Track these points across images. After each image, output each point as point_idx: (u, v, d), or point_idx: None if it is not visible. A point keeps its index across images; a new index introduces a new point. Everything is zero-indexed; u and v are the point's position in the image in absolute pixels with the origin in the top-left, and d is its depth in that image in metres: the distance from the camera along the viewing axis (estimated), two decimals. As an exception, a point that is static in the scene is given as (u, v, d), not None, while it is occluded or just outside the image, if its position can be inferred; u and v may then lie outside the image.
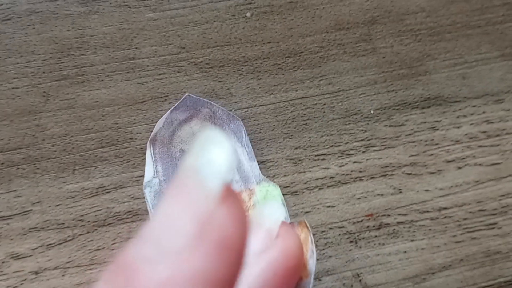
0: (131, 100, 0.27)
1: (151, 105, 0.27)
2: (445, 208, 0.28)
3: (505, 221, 0.28)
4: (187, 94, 0.26)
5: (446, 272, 0.27)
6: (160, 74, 0.27)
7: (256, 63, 0.28)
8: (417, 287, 0.27)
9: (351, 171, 0.28)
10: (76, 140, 0.26)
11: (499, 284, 0.28)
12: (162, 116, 0.26)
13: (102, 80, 0.27)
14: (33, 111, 0.26)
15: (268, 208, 0.22)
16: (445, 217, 0.28)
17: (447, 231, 0.28)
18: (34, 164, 0.26)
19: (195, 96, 0.25)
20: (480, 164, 0.28)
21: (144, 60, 0.27)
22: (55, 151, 0.26)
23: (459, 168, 0.28)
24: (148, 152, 0.26)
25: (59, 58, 0.26)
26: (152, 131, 0.27)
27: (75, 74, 0.26)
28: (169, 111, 0.26)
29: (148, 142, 0.26)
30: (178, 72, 0.27)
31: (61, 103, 0.26)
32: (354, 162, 0.28)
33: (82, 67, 0.27)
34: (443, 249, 0.27)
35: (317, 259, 0.27)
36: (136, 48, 0.27)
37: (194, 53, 0.27)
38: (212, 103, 0.25)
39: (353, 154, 0.28)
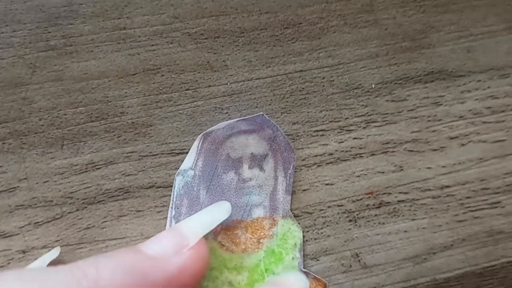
0: (122, 72, 0.26)
1: (143, 77, 0.26)
2: (447, 186, 0.27)
3: (508, 200, 0.28)
4: (261, 113, 0.26)
5: (447, 252, 0.27)
6: (152, 45, 0.26)
7: (253, 34, 0.27)
8: (417, 267, 0.27)
9: (351, 147, 0.27)
10: (65, 114, 0.26)
11: (502, 265, 0.27)
12: (152, 89, 0.25)
13: (92, 51, 0.26)
14: (19, 84, 0.25)
15: (293, 277, 0.23)
16: (447, 195, 0.27)
17: (449, 210, 0.27)
18: (21, 138, 0.25)
19: (267, 117, 0.26)
20: (484, 141, 0.28)
21: (136, 30, 0.26)
22: (43, 125, 0.25)
23: (463, 145, 0.28)
24: (196, 143, 0.26)
25: (46, 27, 0.26)
26: (143, 104, 0.26)
27: (63, 44, 0.26)
28: (236, 119, 0.26)
29: (201, 135, 0.25)
30: (171, 43, 0.26)
31: (49, 75, 0.26)
32: (354, 138, 0.27)
33: (70, 37, 0.26)
34: (445, 229, 0.27)
35: (315, 238, 0.26)
36: (127, 17, 0.26)
37: (188, 23, 0.26)
38: (278, 127, 0.26)
39: (353, 130, 0.27)
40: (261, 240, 0.25)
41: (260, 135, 0.26)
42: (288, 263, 0.25)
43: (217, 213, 0.24)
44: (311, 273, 0.25)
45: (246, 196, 0.26)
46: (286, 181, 0.26)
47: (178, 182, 0.25)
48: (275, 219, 0.26)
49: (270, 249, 0.25)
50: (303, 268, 0.26)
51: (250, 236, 0.25)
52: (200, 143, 0.26)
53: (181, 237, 0.22)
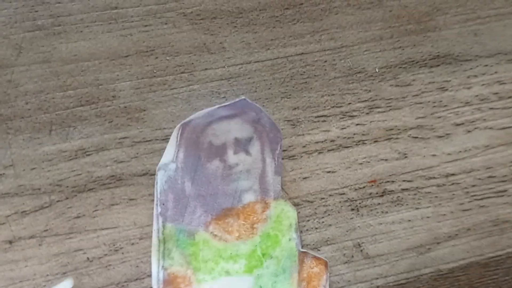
0: (113, 54, 0.25)
1: (136, 59, 0.26)
2: (452, 174, 0.27)
3: None
4: (243, 97, 0.25)
5: (452, 242, 0.27)
6: (145, 26, 0.26)
7: (252, 15, 0.26)
8: (421, 258, 0.27)
9: (354, 134, 0.27)
10: (53, 98, 0.25)
11: (508, 255, 0.27)
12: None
13: (81, 32, 0.25)
14: (4, 65, 0.25)
15: None
16: (453, 183, 0.27)
17: (454, 199, 0.27)
18: (6, 123, 0.25)
19: (250, 101, 0.25)
20: (490, 128, 0.28)
21: (128, 10, 0.26)
22: (29, 109, 0.25)
23: (469, 131, 0.27)
24: (174, 134, 0.25)
25: (33, 6, 0.25)
26: (136, 88, 0.25)
27: (51, 24, 0.25)
28: (217, 106, 0.25)
29: (179, 125, 0.25)
30: (166, 24, 0.26)
31: (36, 56, 0.25)
32: (357, 124, 0.27)
33: (58, 16, 0.25)
34: (450, 218, 0.27)
35: (316, 228, 0.26)
36: None
37: (183, 3, 0.26)
38: (262, 109, 0.25)
39: (355, 115, 0.27)
40: (254, 225, 0.25)
41: (243, 119, 0.25)
42: (285, 245, 0.25)
43: None
44: (310, 253, 0.25)
45: (235, 183, 0.25)
46: (275, 162, 0.25)
47: (161, 177, 0.25)
48: (267, 202, 0.25)
49: (265, 233, 0.25)
50: (301, 248, 0.25)
51: (243, 222, 0.25)
52: (179, 134, 0.25)
53: None
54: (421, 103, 0.27)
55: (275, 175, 0.25)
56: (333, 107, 0.27)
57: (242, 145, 0.25)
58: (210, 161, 0.25)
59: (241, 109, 0.25)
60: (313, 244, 0.26)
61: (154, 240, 0.25)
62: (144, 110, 0.25)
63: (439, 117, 0.27)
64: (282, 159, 0.26)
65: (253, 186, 0.25)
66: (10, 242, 0.24)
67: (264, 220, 0.25)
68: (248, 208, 0.25)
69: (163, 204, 0.25)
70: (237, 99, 0.25)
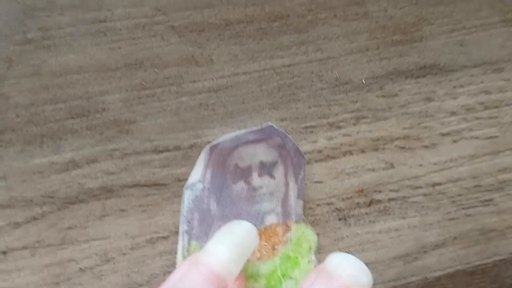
0: (102, 67, 0.25)
1: (125, 72, 0.25)
2: (439, 184, 0.27)
3: (501, 197, 0.27)
4: (270, 124, 0.25)
5: (438, 251, 0.27)
6: (134, 38, 0.26)
7: (239, 27, 0.26)
8: (408, 266, 0.27)
9: (341, 144, 0.27)
10: (43, 110, 0.25)
11: (494, 263, 0.27)
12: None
13: (70, 45, 0.25)
14: None
15: (350, 266, 0.21)
16: (439, 193, 0.27)
17: (440, 208, 0.27)
18: None
19: (276, 127, 0.25)
20: (476, 137, 0.28)
21: (117, 23, 0.25)
22: (20, 122, 0.25)
23: (455, 141, 0.27)
24: (202, 155, 0.25)
25: (23, 20, 0.25)
26: (125, 100, 0.25)
27: (41, 37, 0.25)
28: (245, 131, 0.25)
29: (207, 147, 0.25)
30: (154, 36, 0.26)
31: (25, 69, 0.25)
32: (344, 135, 0.27)
33: (48, 30, 0.25)
34: (436, 227, 0.27)
35: (304, 238, 0.26)
36: (108, 9, 0.25)
37: (171, 16, 0.26)
38: (287, 135, 0.25)
39: (342, 126, 0.27)
40: (275, 247, 0.25)
41: (268, 144, 0.26)
42: (304, 267, 0.25)
43: (246, 239, 0.22)
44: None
45: (258, 204, 0.26)
46: (298, 186, 0.26)
47: (187, 196, 0.25)
48: (288, 224, 0.26)
49: (285, 255, 0.25)
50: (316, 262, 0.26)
51: (265, 243, 0.25)
52: (207, 156, 0.25)
53: (217, 280, 0.21)
54: (407, 113, 0.27)
55: (297, 198, 0.26)
56: (320, 118, 0.27)
57: (266, 168, 0.26)
58: (236, 183, 0.25)
59: (268, 134, 0.25)
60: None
61: (179, 256, 0.25)
62: (134, 122, 0.25)
63: (426, 127, 0.27)
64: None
65: (276, 209, 0.26)
66: (4, 253, 0.24)
67: (284, 242, 0.25)
68: (270, 229, 0.26)
69: (189, 222, 0.25)
70: (264, 125, 0.25)
